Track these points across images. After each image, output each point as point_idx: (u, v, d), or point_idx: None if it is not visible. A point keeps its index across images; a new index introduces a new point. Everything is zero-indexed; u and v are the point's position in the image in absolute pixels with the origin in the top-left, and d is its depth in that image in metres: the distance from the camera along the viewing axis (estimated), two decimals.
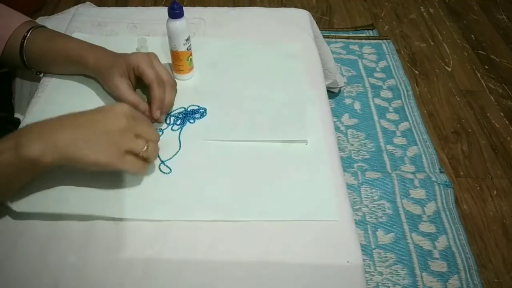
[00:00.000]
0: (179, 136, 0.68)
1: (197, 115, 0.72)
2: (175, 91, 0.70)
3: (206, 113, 0.72)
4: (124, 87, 0.67)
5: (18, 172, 0.52)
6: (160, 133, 0.68)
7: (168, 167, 0.64)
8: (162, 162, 0.64)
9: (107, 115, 0.54)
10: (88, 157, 0.53)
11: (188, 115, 0.71)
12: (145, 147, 0.56)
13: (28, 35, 0.70)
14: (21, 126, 0.69)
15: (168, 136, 0.68)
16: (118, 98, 0.68)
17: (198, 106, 0.73)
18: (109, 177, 0.61)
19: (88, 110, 0.55)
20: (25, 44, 0.70)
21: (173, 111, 0.72)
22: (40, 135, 0.52)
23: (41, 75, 0.77)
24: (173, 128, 0.69)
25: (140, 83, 0.71)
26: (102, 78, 0.70)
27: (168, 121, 0.70)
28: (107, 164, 0.54)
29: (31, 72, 0.75)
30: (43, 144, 0.51)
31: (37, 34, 0.71)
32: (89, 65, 0.70)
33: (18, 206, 0.57)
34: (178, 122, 0.70)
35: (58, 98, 0.73)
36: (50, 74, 0.76)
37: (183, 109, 0.72)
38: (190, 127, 0.70)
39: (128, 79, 0.68)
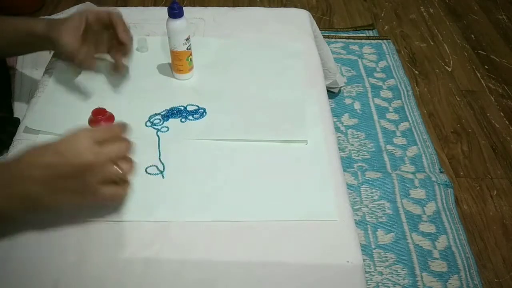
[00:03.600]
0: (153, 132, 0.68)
1: (196, 115, 0.72)
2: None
3: (205, 113, 0.72)
4: (68, 34, 0.66)
5: None
6: (166, 129, 0.69)
7: (164, 166, 0.64)
8: (161, 162, 0.64)
9: (68, 155, 0.49)
10: (62, 203, 0.52)
11: (187, 114, 0.71)
12: (118, 170, 0.52)
13: None
14: (20, 126, 0.69)
15: (168, 134, 0.68)
16: (61, 46, 0.67)
17: (198, 106, 0.73)
18: None
19: (48, 149, 0.50)
20: None
21: (173, 108, 0.72)
22: (2, 190, 0.49)
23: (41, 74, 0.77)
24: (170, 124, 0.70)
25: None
26: (51, 34, 0.67)
27: (166, 119, 0.71)
28: (83, 204, 0.53)
29: None
30: (8, 200, 0.49)
31: None
32: (39, 28, 0.68)
33: None
34: (179, 118, 0.71)
35: (58, 98, 0.73)
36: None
37: (183, 107, 0.73)
38: (189, 127, 0.70)
39: (76, 29, 0.67)
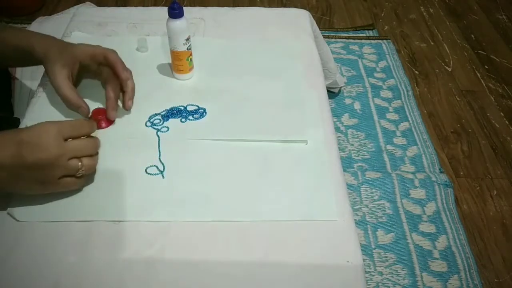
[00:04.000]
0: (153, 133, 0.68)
1: (196, 115, 0.72)
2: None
3: (205, 113, 0.72)
4: (61, 78, 0.65)
5: None
6: (166, 129, 0.69)
7: (164, 166, 0.64)
8: (161, 162, 0.64)
9: (35, 148, 0.51)
10: (22, 191, 0.54)
11: (187, 114, 0.71)
12: (80, 166, 0.54)
13: None
14: (20, 126, 0.69)
15: (168, 134, 0.68)
16: (55, 88, 0.67)
17: (198, 106, 0.73)
18: (108, 181, 0.61)
19: (15, 139, 0.51)
20: None
21: (173, 108, 0.72)
22: None
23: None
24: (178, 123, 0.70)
25: (82, 76, 0.72)
26: (46, 66, 0.67)
27: (166, 119, 0.71)
28: (43, 192, 0.55)
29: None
30: None
31: None
32: (36, 53, 0.67)
33: (20, 215, 0.57)
34: (179, 118, 0.71)
35: (58, 98, 0.73)
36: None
37: (183, 107, 0.73)
38: (189, 127, 0.70)
39: (69, 71, 0.67)
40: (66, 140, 0.53)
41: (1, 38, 0.69)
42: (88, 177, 0.59)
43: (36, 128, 0.52)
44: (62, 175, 0.54)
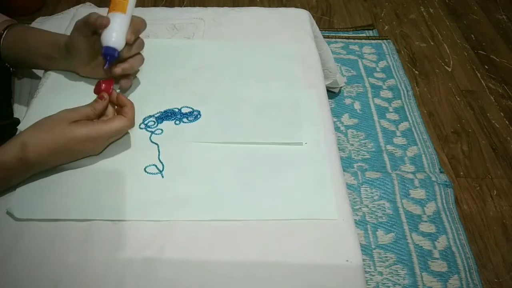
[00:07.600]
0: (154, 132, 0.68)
1: (191, 118, 0.71)
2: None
3: (200, 115, 0.71)
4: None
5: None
6: (160, 132, 0.68)
7: (163, 166, 0.64)
8: (160, 161, 0.64)
9: (76, 147, 0.60)
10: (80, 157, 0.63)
11: (181, 117, 0.71)
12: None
13: (4, 32, 0.70)
14: (20, 126, 0.69)
15: (162, 137, 0.68)
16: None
17: (192, 108, 0.72)
18: (108, 181, 0.61)
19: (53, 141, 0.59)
20: (1, 39, 0.70)
21: (167, 110, 0.71)
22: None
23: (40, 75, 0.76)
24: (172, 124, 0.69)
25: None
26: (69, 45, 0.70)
27: (160, 121, 0.70)
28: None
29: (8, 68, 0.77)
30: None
31: (13, 29, 0.71)
32: (62, 42, 0.70)
33: (19, 213, 0.57)
34: (173, 121, 0.70)
35: (57, 98, 0.73)
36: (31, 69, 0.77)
37: (177, 109, 0.72)
38: (184, 129, 0.69)
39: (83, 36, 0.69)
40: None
41: (28, 35, 0.71)
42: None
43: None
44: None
